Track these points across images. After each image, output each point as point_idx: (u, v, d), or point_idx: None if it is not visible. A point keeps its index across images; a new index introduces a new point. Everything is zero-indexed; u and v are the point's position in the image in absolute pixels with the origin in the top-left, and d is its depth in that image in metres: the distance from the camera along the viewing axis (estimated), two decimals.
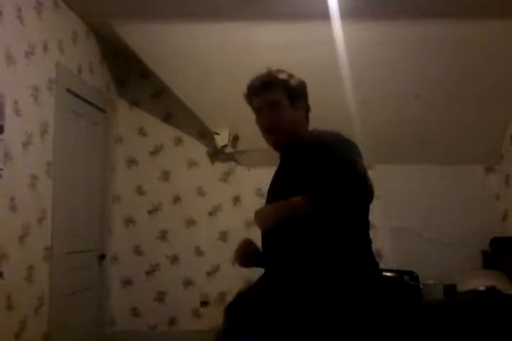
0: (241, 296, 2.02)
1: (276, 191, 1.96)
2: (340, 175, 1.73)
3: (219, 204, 4.66)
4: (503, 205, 4.40)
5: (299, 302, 1.80)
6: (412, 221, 4.46)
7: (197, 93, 4.24)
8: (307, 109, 2.05)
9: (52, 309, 3.38)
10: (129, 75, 4.73)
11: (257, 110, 2.01)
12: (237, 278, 4.18)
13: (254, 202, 4.15)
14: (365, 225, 1.94)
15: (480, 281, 3.81)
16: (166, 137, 4.72)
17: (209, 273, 4.60)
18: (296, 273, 1.84)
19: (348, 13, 3.47)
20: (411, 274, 3.86)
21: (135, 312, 4.59)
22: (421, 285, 3.84)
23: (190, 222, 4.65)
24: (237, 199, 4.65)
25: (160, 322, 4.58)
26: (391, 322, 1.87)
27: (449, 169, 4.46)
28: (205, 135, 4.66)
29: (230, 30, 3.72)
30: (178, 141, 4.73)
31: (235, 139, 4.48)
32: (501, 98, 4.08)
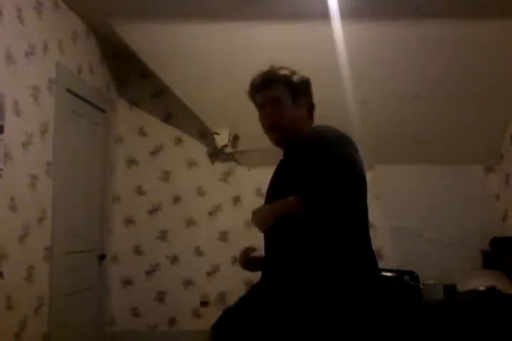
0: (228, 314, 1.97)
1: (275, 190, 1.95)
2: (334, 173, 1.70)
3: (219, 204, 4.66)
4: (503, 205, 4.40)
5: (294, 305, 1.77)
6: (412, 221, 4.46)
7: (197, 93, 4.24)
8: (311, 106, 2.03)
9: (52, 309, 3.38)
10: (129, 75, 4.73)
11: (259, 107, 2.01)
12: (237, 278, 4.18)
13: (254, 202, 4.14)
14: (363, 223, 1.90)
15: (480, 281, 3.82)
16: (166, 137, 4.72)
17: (209, 273, 4.60)
18: (291, 275, 1.82)
19: (348, 13, 3.47)
20: (411, 274, 3.86)
21: (135, 312, 4.59)
22: (421, 285, 3.84)
23: (190, 222, 4.65)
24: (237, 199, 4.65)
25: (160, 322, 4.58)
26: (388, 322, 1.85)
27: (449, 169, 4.46)
28: (205, 135, 4.66)
29: (230, 30, 3.72)
30: (178, 141, 4.73)
31: (235, 139, 4.48)
32: (501, 98, 4.08)
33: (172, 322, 4.58)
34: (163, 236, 4.65)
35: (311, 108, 2.04)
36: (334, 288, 1.77)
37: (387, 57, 3.86)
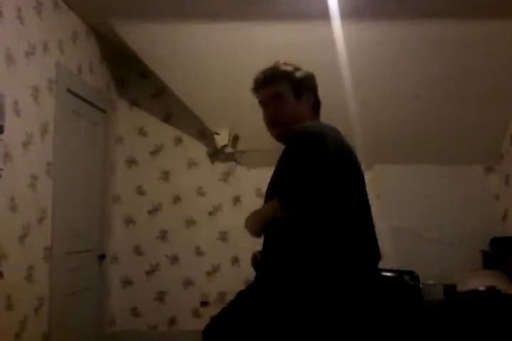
0: (216, 321, 1.94)
1: (270, 190, 1.92)
2: (304, 170, 1.66)
3: (219, 204, 4.66)
4: (503, 205, 4.40)
5: (283, 307, 1.73)
6: (412, 221, 4.46)
7: (197, 93, 4.24)
8: (315, 102, 2.01)
9: (52, 309, 3.38)
10: (129, 75, 4.73)
11: (262, 103, 2.00)
12: (237, 278, 4.18)
13: (254, 202, 4.14)
14: (357, 215, 1.82)
15: (480, 281, 3.82)
16: (166, 137, 4.72)
17: (209, 273, 4.60)
18: (279, 277, 1.78)
19: (348, 13, 3.47)
20: (411, 274, 3.86)
21: (135, 312, 4.59)
22: (421, 285, 3.84)
23: (190, 222, 4.65)
24: (237, 199, 4.65)
25: (160, 322, 4.58)
26: (380, 322, 1.81)
27: (449, 169, 4.46)
28: (205, 135, 4.66)
29: (230, 30, 3.72)
30: (178, 141, 4.73)
31: (235, 139, 4.48)
32: (501, 98, 4.08)
33: (172, 322, 4.58)
34: (163, 236, 4.65)
35: (315, 104, 2.01)
36: (322, 288, 1.72)
37: (387, 57, 3.86)
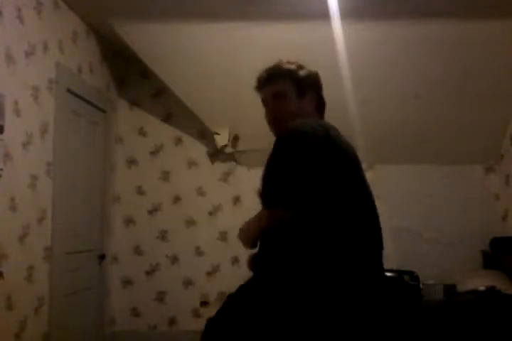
0: (212, 323, 1.92)
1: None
2: (291, 169, 1.67)
3: (219, 204, 4.66)
4: (503, 205, 4.40)
5: (279, 306, 1.71)
6: (412, 221, 4.46)
7: (197, 93, 4.24)
8: (319, 101, 1.99)
9: (52, 309, 3.38)
10: (129, 75, 4.73)
11: (263, 102, 1.99)
12: (237, 278, 4.15)
13: (254, 202, 4.10)
14: (356, 210, 1.77)
15: (480, 281, 3.82)
16: (166, 137, 4.72)
17: (209, 273, 4.60)
18: (275, 276, 1.76)
19: (348, 13, 3.47)
20: (411, 274, 3.86)
21: (135, 312, 4.59)
22: (421, 285, 3.84)
23: (190, 222, 4.65)
24: (237, 199, 4.65)
25: (160, 322, 4.58)
26: (381, 322, 1.79)
27: (449, 169, 4.47)
28: (205, 135, 4.66)
29: (230, 30, 3.72)
30: (178, 141, 4.73)
31: (235, 139, 4.48)
32: (501, 98, 4.08)
33: (172, 322, 4.58)
34: (163, 236, 4.64)
35: (319, 103, 1.99)
36: (322, 288, 1.70)
37: (387, 57, 3.86)
